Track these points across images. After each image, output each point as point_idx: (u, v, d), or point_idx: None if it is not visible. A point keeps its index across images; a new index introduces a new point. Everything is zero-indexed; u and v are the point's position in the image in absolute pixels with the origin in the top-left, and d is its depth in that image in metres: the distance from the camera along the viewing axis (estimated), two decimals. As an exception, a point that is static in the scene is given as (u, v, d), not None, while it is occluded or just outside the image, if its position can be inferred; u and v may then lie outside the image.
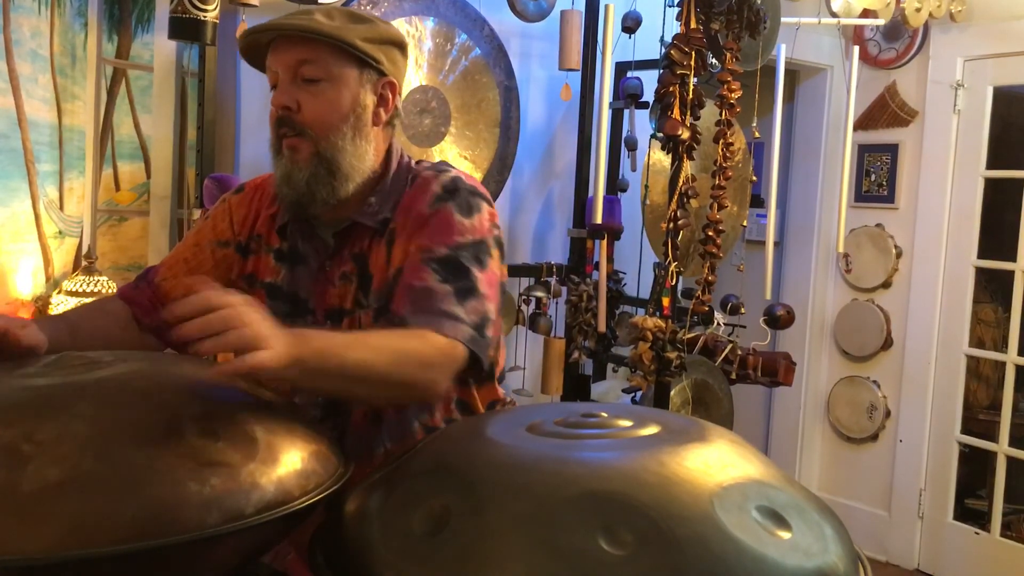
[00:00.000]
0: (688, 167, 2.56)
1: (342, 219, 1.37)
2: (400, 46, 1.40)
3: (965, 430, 3.78)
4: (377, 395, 1.22)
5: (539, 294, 2.83)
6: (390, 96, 1.38)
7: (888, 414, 4.00)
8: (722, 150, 2.76)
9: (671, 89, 2.50)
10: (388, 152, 1.42)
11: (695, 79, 2.51)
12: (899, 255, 3.94)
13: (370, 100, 1.35)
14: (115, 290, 2.42)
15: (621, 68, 3.12)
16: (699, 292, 2.80)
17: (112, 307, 1.43)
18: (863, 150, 4.02)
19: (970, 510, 3.87)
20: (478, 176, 2.82)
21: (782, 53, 2.93)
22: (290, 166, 1.33)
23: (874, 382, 4.03)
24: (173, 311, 0.98)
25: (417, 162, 1.45)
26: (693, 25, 2.50)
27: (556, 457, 0.86)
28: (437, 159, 2.72)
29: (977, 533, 3.73)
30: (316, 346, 1.07)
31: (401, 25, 2.58)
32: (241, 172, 2.55)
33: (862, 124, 3.99)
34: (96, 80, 2.49)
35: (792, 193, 4.21)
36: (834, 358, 4.19)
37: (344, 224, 1.37)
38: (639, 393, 2.65)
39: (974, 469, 3.89)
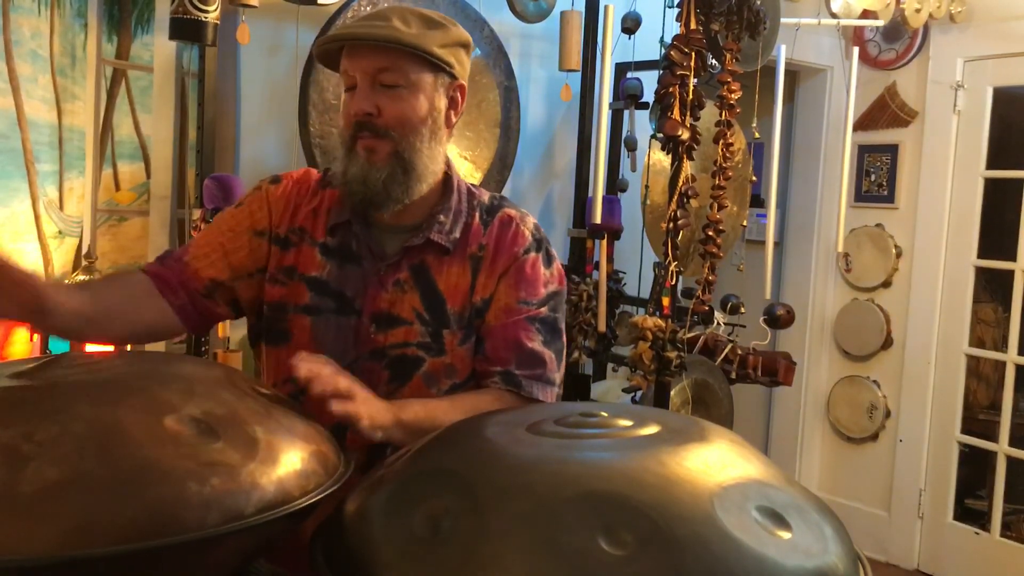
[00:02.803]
0: (688, 167, 2.56)
1: (403, 227, 1.42)
2: (467, 47, 1.44)
3: (965, 430, 3.78)
4: None
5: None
6: (460, 99, 1.43)
7: (888, 414, 4.00)
8: (722, 150, 2.76)
9: (671, 90, 2.49)
10: (447, 162, 1.47)
11: (695, 80, 2.51)
12: (899, 255, 3.94)
13: (443, 104, 1.40)
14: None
15: (621, 68, 3.12)
16: (699, 292, 2.80)
17: (135, 278, 1.42)
18: (863, 150, 4.02)
19: (970, 510, 3.87)
20: (478, 176, 2.82)
21: (782, 54, 2.93)
22: (368, 166, 1.36)
23: (874, 382, 4.03)
24: (311, 380, 1.19)
25: (474, 187, 1.51)
26: (693, 26, 2.50)
27: (556, 457, 0.86)
28: (437, 159, 2.72)
29: (977, 533, 3.73)
30: (416, 410, 1.29)
31: (401, 25, 2.58)
32: (241, 172, 2.55)
33: (862, 124, 3.99)
34: (96, 80, 2.49)
35: (792, 193, 4.21)
36: (834, 358, 4.19)
37: (412, 236, 1.41)
38: (639, 393, 2.65)
39: (974, 469, 3.90)
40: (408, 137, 1.36)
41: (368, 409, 1.23)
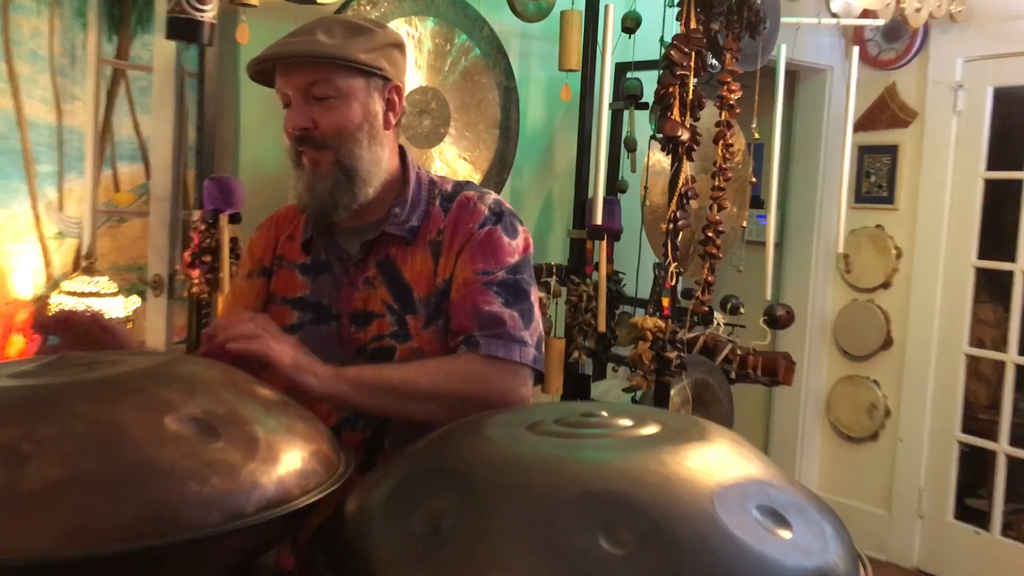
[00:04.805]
0: (688, 168, 2.56)
1: (364, 226, 1.45)
2: (399, 46, 1.46)
3: (965, 429, 3.78)
4: (436, 410, 1.31)
5: (539, 294, 2.82)
6: (397, 100, 1.45)
7: (888, 413, 4.00)
8: (722, 151, 2.76)
9: (671, 90, 2.49)
10: (403, 157, 1.50)
11: (695, 80, 2.51)
12: (899, 255, 3.94)
13: (379, 107, 1.43)
14: (116, 293, 2.44)
15: (621, 68, 3.12)
16: (699, 293, 2.80)
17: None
18: (863, 151, 4.02)
19: (970, 509, 3.87)
20: (478, 177, 2.82)
21: (782, 53, 2.93)
22: (312, 178, 1.40)
23: (874, 382, 4.03)
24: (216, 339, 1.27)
25: (440, 177, 1.53)
26: (693, 25, 2.50)
27: (556, 457, 0.86)
28: (436, 160, 2.73)
29: (977, 532, 3.73)
30: (357, 367, 1.32)
31: (401, 25, 2.59)
32: (241, 173, 2.55)
33: (862, 125, 3.99)
34: (96, 81, 2.50)
35: (792, 194, 4.21)
36: (834, 358, 4.19)
37: (372, 234, 1.44)
38: (639, 393, 2.65)
39: (974, 468, 3.90)
40: (347, 145, 1.39)
41: (287, 349, 1.27)
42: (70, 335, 1.31)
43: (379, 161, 1.43)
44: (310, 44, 1.35)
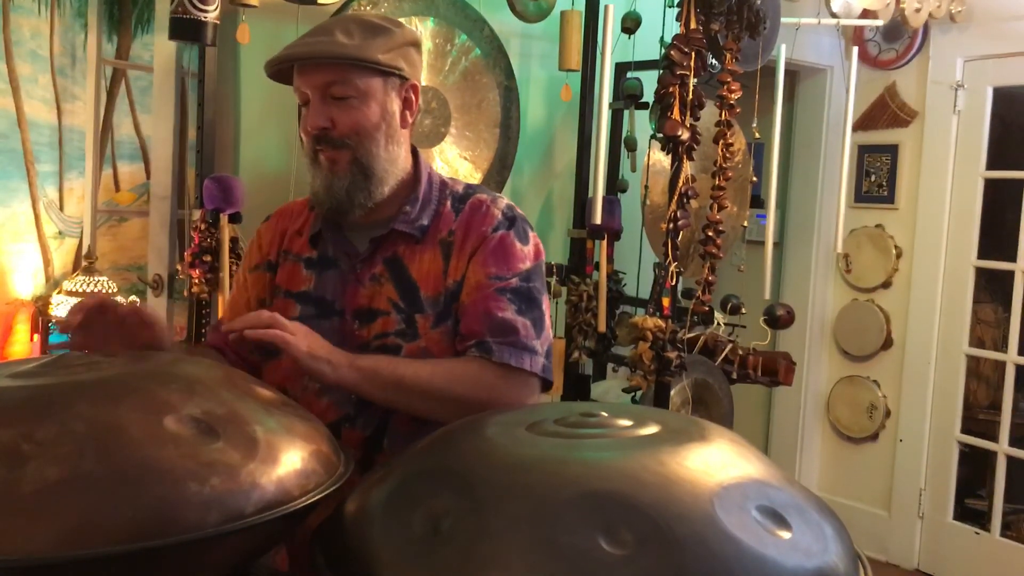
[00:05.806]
0: (688, 168, 2.56)
1: (374, 223, 1.45)
2: (416, 45, 1.47)
3: (965, 430, 3.78)
4: (442, 411, 1.32)
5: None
6: (414, 98, 1.46)
7: (888, 414, 4.00)
8: (722, 151, 2.76)
9: (671, 90, 2.49)
10: (415, 156, 1.51)
11: (695, 80, 2.51)
12: (899, 255, 3.94)
13: (396, 106, 1.43)
14: (116, 292, 2.44)
15: (621, 68, 3.12)
16: (699, 292, 2.80)
17: (209, 350, 1.56)
18: (863, 150, 4.02)
19: (970, 510, 3.87)
20: (478, 176, 2.82)
21: (782, 53, 2.93)
22: (330, 177, 1.41)
23: (874, 382, 4.03)
24: (232, 326, 1.31)
25: (451, 179, 1.54)
26: (693, 26, 2.50)
27: (556, 457, 0.86)
28: (437, 159, 2.73)
29: (977, 533, 3.73)
30: (375, 358, 1.35)
31: (401, 25, 2.59)
32: (241, 172, 2.55)
33: (862, 124, 3.99)
34: (96, 80, 2.50)
35: (792, 193, 4.21)
36: (834, 358, 4.19)
37: (381, 231, 1.44)
38: (639, 393, 2.65)
39: (974, 469, 3.90)
40: (365, 144, 1.40)
41: (302, 338, 1.30)
42: (99, 330, 1.26)
43: (395, 160, 1.44)
44: (329, 45, 1.36)
